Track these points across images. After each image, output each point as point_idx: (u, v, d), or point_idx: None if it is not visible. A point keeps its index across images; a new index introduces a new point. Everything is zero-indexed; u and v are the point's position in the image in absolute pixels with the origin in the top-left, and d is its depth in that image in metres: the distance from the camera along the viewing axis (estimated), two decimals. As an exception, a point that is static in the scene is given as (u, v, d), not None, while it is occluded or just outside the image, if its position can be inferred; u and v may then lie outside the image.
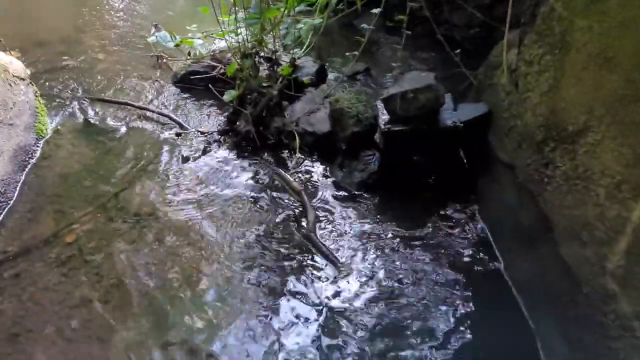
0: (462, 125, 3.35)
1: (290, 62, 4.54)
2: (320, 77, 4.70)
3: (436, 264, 2.95)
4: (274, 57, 4.41)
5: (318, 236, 3.14)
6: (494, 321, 2.66)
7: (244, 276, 2.95)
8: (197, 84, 4.86)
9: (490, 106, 3.41)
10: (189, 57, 5.04)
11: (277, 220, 3.36)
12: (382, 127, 3.42)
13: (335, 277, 2.91)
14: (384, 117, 3.48)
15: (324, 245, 3.07)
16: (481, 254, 3.03)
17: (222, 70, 4.64)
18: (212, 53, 4.87)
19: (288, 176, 3.63)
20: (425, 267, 2.90)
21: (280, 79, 4.08)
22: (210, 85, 4.49)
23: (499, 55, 3.47)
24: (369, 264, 3.01)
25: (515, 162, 2.99)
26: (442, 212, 3.33)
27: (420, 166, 3.51)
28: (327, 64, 4.91)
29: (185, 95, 4.84)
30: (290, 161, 3.88)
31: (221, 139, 4.10)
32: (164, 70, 5.33)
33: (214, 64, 4.81)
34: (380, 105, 3.57)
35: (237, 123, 4.11)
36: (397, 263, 2.96)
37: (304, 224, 3.25)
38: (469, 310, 2.72)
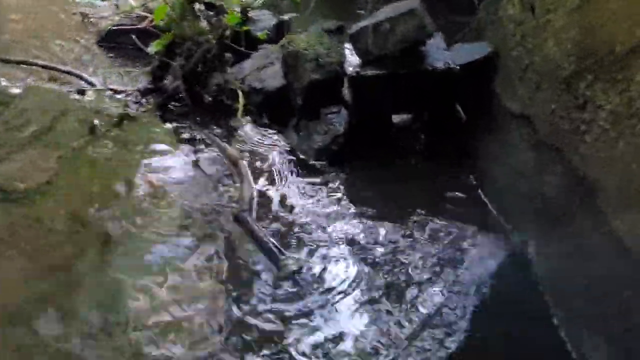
0: (458, 68, 2.53)
1: (240, 11, 3.70)
2: (279, 32, 3.87)
3: (427, 270, 2.10)
4: (217, 3, 3.56)
5: (254, 220, 2.27)
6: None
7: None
8: (124, 42, 4.00)
9: (495, 46, 2.62)
10: (117, 12, 4.19)
11: (205, 199, 2.50)
12: (350, 71, 2.59)
13: (275, 279, 2.05)
14: (352, 60, 2.66)
15: (260, 231, 2.21)
16: (489, 244, 2.20)
17: (153, 22, 3.78)
18: (144, 3, 4.01)
19: (224, 143, 2.77)
20: (408, 275, 2.05)
21: (223, 28, 3.24)
22: (135, 37, 3.63)
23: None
24: (326, 263, 2.16)
25: (533, 112, 2.25)
26: (431, 189, 2.50)
27: (401, 125, 2.68)
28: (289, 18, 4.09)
29: (111, 55, 4.03)
30: (232, 125, 3.03)
31: (142, 100, 3.24)
32: (89, 30, 4.46)
33: (145, 14, 3.95)
34: (348, 47, 2.75)
35: (165, 80, 3.24)
36: (365, 267, 2.11)
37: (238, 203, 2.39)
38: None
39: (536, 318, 1.92)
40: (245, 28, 3.68)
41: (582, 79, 1.99)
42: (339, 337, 1.84)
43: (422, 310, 1.93)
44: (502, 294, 2.01)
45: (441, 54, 2.65)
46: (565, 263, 1.95)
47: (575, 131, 2.01)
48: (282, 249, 2.18)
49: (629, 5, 1.80)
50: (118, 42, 4.09)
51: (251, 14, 3.96)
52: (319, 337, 1.83)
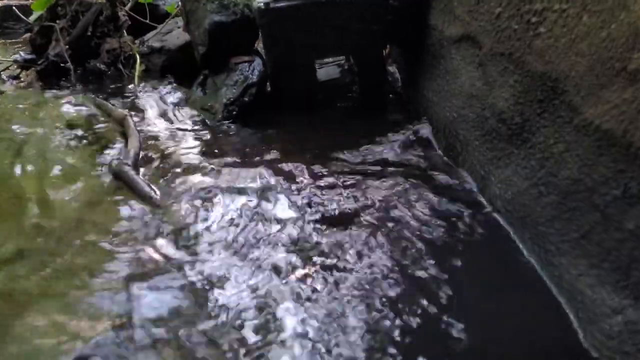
0: (385, -5, 2.18)
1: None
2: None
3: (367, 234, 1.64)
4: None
5: (136, 173, 1.79)
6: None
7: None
8: (10, 25, 3.51)
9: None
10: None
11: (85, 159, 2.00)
12: (260, 5, 2.19)
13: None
14: (263, -2, 2.26)
15: (140, 179, 1.73)
16: (442, 187, 1.79)
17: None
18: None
19: (109, 104, 2.31)
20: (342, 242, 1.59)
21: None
22: (15, 8, 3.15)
23: None
24: (215, 212, 1.69)
25: (474, 27, 1.95)
26: (363, 143, 2.08)
27: (301, 70, 2.30)
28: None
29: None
30: (128, 91, 2.56)
31: (21, 74, 2.73)
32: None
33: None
34: (259, -11, 2.35)
35: (49, 48, 2.76)
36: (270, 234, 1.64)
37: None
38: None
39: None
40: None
41: (529, -34, 1.65)
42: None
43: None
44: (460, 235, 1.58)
45: (366, -16, 2.29)
46: (533, 182, 1.54)
47: (526, 28, 1.66)
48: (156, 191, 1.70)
49: None
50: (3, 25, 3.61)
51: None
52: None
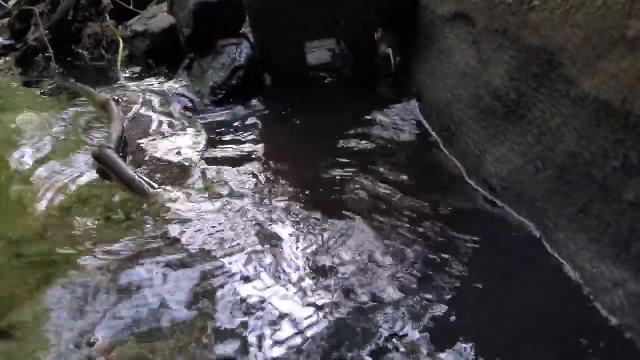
0: (375, -26, 2.15)
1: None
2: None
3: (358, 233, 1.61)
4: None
5: (120, 157, 1.75)
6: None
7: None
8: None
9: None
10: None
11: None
12: (246, -15, 2.15)
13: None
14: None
15: (126, 167, 1.69)
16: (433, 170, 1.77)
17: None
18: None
19: (90, 89, 2.26)
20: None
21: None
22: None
23: None
24: (200, 195, 1.65)
25: (467, 5, 1.90)
26: (353, 125, 2.06)
27: (317, 54, 2.26)
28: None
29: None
30: (111, 76, 2.51)
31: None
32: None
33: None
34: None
35: (28, 33, 2.70)
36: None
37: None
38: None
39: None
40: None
41: (523, -61, 1.63)
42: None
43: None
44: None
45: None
46: (529, 158, 1.52)
47: (520, 2, 1.64)
48: (152, 182, 1.65)
49: None
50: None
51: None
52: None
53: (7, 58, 2.69)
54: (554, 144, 1.42)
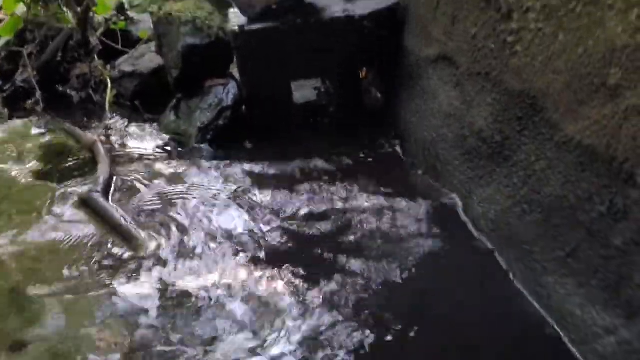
0: (358, 17, 2.18)
1: (116, 6, 3.25)
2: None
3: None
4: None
5: (107, 201, 1.73)
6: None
7: None
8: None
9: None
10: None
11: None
12: (234, 28, 2.17)
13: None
14: (237, 21, 2.24)
15: (114, 211, 1.66)
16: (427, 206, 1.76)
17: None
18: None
19: (77, 129, 2.24)
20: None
21: (86, 10, 2.76)
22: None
23: None
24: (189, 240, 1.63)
25: (451, 48, 1.97)
26: (340, 165, 2.06)
27: (277, 93, 2.28)
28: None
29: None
30: (98, 118, 2.49)
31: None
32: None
33: (2, 16, 3.41)
34: (233, 12, 2.33)
35: (16, 74, 2.69)
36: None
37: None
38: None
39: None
40: (121, 25, 3.23)
41: (504, -14, 1.66)
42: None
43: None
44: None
45: (340, 6, 2.29)
46: (516, 200, 1.52)
47: (503, 47, 1.66)
48: (138, 228, 1.63)
49: None
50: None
51: (133, 14, 3.52)
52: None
53: (-4, 99, 2.66)
54: (540, 187, 1.43)
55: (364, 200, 1.88)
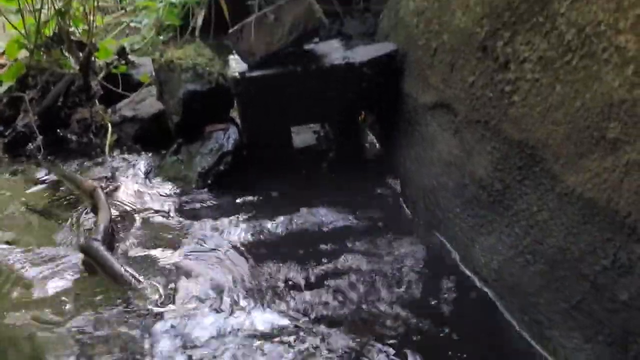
0: (359, 64, 2.21)
1: (117, 51, 3.30)
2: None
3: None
4: (89, 41, 3.15)
5: (106, 249, 1.72)
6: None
7: None
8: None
9: (401, 46, 2.35)
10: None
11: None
12: (235, 74, 2.20)
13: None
14: (238, 67, 2.27)
15: (113, 260, 1.65)
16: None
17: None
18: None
19: (77, 176, 2.25)
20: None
21: (88, 55, 2.79)
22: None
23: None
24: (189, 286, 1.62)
25: (449, 95, 1.99)
26: (339, 212, 2.06)
27: (277, 138, 2.29)
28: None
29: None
30: (99, 163, 2.50)
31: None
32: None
33: (3, 62, 3.45)
34: (234, 58, 2.37)
35: (17, 120, 2.71)
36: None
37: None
38: None
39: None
40: (122, 69, 3.27)
41: (499, 37, 1.71)
42: None
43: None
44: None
45: (340, 53, 2.33)
46: (518, 251, 1.51)
47: (500, 97, 1.68)
48: (138, 277, 1.61)
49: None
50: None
51: (134, 58, 3.57)
52: None
53: (-2, 146, 2.67)
54: (542, 238, 1.42)
55: (362, 247, 1.87)
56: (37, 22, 2.74)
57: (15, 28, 2.82)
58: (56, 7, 3.01)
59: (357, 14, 4.81)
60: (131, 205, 2.17)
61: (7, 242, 1.92)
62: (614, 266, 1.19)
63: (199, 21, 3.50)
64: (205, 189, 2.25)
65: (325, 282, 1.67)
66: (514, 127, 1.60)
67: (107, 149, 2.56)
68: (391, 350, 1.39)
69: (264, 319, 1.52)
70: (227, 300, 1.58)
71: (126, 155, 2.61)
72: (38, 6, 2.85)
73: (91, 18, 3.20)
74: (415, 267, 1.73)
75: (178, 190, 2.27)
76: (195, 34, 4.31)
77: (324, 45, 2.44)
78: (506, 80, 1.66)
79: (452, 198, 1.86)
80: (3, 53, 3.65)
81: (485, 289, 1.62)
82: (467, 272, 1.73)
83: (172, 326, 1.48)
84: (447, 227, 1.88)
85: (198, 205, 2.16)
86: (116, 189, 2.30)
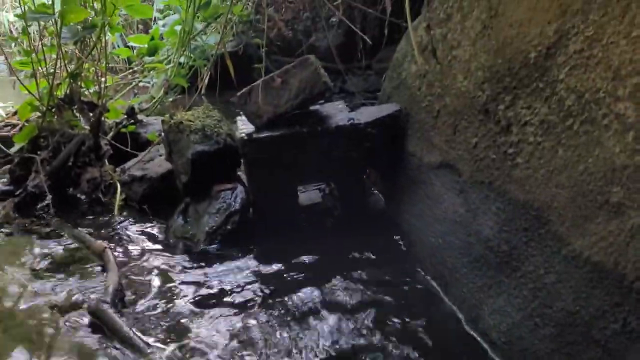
0: (362, 125, 2.27)
1: (127, 111, 3.39)
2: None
3: None
4: (99, 102, 3.24)
5: (116, 311, 1.71)
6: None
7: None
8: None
9: (404, 106, 2.41)
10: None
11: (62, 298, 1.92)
12: (243, 135, 2.25)
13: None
14: (245, 128, 2.33)
15: (121, 323, 1.65)
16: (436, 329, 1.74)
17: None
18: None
19: (86, 235, 2.26)
20: None
21: (97, 116, 2.87)
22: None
23: (404, 46, 2.62)
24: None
25: (453, 156, 2.02)
26: (345, 271, 2.07)
27: (283, 197, 2.33)
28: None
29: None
30: (108, 222, 2.52)
31: (-3, 205, 2.69)
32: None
33: (15, 122, 3.53)
34: (242, 119, 2.44)
35: (28, 179, 2.75)
36: None
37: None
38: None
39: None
40: (131, 128, 3.35)
41: (501, 101, 1.76)
42: None
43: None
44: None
45: (345, 114, 2.39)
46: (527, 313, 1.51)
47: (504, 158, 1.72)
48: (147, 341, 1.60)
49: (535, 8, 1.63)
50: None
51: (142, 117, 3.66)
52: None
53: (6, 203, 2.69)
54: (551, 301, 1.42)
55: (369, 308, 1.86)
56: (51, 85, 2.82)
57: (29, 91, 2.90)
58: (69, 70, 3.11)
59: (359, 71, 4.96)
60: (139, 265, 2.17)
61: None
62: (624, 331, 1.19)
63: (206, 81, 3.60)
64: (213, 247, 2.26)
65: (332, 345, 1.66)
66: (518, 188, 1.62)
67: (116, 209, 2.59)
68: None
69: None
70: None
71: (135, 215, 2.63)
72: (52, 70, 2.93)
73: (102, 80, 3.30)
74: (424, 328, 1.71)
75: (186, 249, 2.28)
76: (201, 92, 4.43)
77: (329, 106, 2.50)
78: (509, 142, 1.70)
79: (458, 257, 1.86)
80: (15, 113, 3.75)
81: (496, 352, 1.61)
82: (477, 334, 1.71)
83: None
84: (455, 287, 1.87)
85: (205, 264, 2.16)
86: (124, 248, 2.30)
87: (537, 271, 1.49)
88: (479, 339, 1.69)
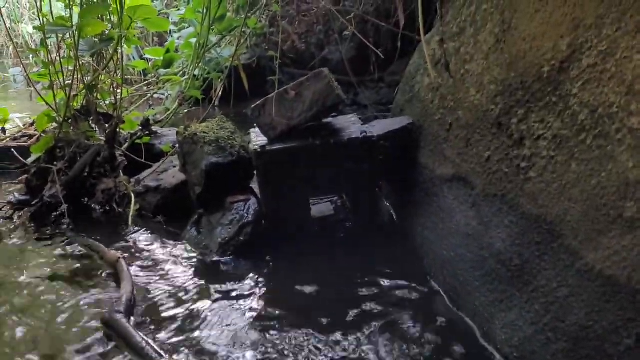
0: (375, 137, 2.29)
1: (142, 122, 3.44)
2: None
3: None
4: (115, 113, 3.29)
5: (130, 321, 1.74)
6: None
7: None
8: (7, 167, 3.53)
9: (417, 119, 2.43)
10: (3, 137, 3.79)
11: (75, 308, 1.94)
12: (256, 147, 2.28)
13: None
14: (260, 141, 2.36)
15: (136, 333, 1.67)
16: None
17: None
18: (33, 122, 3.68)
19: (100, 245, 2.29)
20: None
21: (112, 128, 2.91)
22: (14, 151, 3.23)
23: (417, 59, 2.65)
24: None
25: (465, 169, 2.01)
26: (358, 283, 2.08)
27: (296, 209, 2.34)
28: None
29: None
30: (122, 233, 2.55)
31: (14, 215, 2.74)
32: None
33: (32, 132, 3.60)
34: (254, 131, 2.47)
35: (44, 190, 2.79)
36: None
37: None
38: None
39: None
40: (146, 139, 3.40)
41: (514, 115, 1.77)
42: None
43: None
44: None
45: (357, 127, 2.41)
46: (539, 328, 1.51)
47: (517, 172, 1.72)
48: (160, 352, 1.61)
49: (549, 22, 1.64)
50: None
51: (157, 128, 3.71)
52: None
53: (22, 213, 2.74)
54: (564, 315, 1.42)
55: (380, 320, 1.86)
56: (68, 97, 2.87)
57: (47, 102, 2.95)
58: (85, 82, 3.17)
59: (371, 84, 4.98)
60: (153, 276, 2.19)
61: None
62: (638, 346, 1.19)
63: (219, 93, 3.64)
64: (226, 259, 2.28)
65: (344, 355, 1.66)
66: (531, 202, 1.63)
67: (130, 219, 2.62)
68: None
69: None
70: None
71: (149, 225, 2.66)
72: (69, 82, 2.99)
73: (118, 91, 3.35)
74: (437, 341, 1.72)
75: (199, 260, 2.30)
76: (215, 104, 4.48)
77: (342, 118, 2.52)
78: (522, 156, 1.71)
79: (471, 271, 1.87)
80: (32, 124, 3.82)
81: (506, 367, 1.61)
82: (489, 348, 1.71)
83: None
84: (467, 300, 1.88)
85: (218, 276, 2.18)
86: (137, 258, 2.33)
87: (550, 285, 1.49)
88: (495, 352, 1.68)
